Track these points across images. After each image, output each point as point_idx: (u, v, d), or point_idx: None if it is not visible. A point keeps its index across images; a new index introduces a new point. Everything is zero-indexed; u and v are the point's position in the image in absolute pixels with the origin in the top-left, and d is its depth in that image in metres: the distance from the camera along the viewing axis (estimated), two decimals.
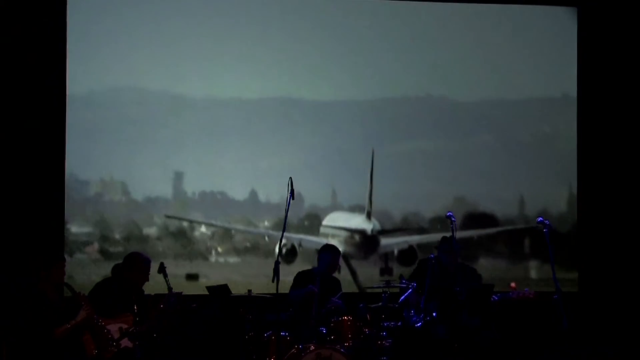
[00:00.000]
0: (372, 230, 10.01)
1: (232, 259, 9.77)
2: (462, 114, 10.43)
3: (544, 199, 10.41)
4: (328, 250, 8.94)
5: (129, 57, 9.63)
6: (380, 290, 8.44)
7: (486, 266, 10.12)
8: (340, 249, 9.01)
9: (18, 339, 7.10)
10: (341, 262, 9.44)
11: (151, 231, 9.16)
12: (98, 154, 9.60)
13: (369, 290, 8.74)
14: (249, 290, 8.39)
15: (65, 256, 8.07)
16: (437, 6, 10.38)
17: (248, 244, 9.96)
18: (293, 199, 8.04)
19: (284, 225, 8.06)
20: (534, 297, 8.42)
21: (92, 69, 9.55)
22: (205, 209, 8.82)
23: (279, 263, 7.91)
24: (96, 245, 9.51)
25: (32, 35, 9.35)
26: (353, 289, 9.97)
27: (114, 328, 7.53)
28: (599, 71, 10.54)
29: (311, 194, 10.05)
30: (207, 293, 8.57)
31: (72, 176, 9.50)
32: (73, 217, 9.53)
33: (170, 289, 7.87)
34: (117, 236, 9.42)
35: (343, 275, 9.85)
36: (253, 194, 9.95)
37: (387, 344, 8.14)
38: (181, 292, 8.13)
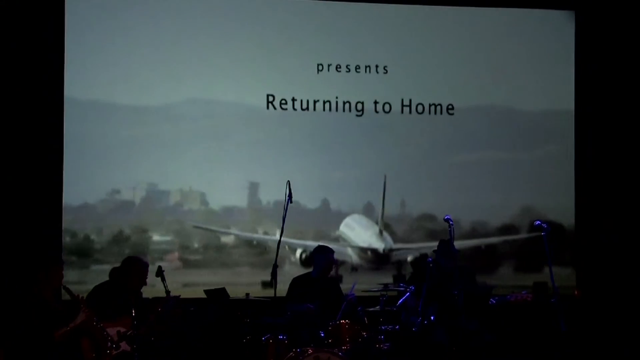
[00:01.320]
0: (384, 250, 10.05)
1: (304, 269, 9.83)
2: (528, 124, 10.60)
3: None
4: (321, 252, 8.93)
5: (202, 70, 9.89)
6: (378, 293, 8.44)
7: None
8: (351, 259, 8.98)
9: (16, 342, 7.09)
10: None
11: (228, 240, 9.31)
12: (177, 165, 9.82)
13: (366, 294, 8.72)
14: (247, 294, 8.39)
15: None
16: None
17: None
18: (291, 202, 8.06)
19: (281, 229, 8.06)
20: (531, 300, 8.42)
21: (181, 84, 9.82)
22: (279, 218, 9.03)
23: (277, 267, 7.91)
24: (176, 254, 9.69)
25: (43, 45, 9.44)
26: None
27: (112, 331, 7.52)
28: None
29: (381, 203, 10.19)
30: (205, 296, 8.59)
31: (153, 186, 9.78)
32: (154, 226, 9.78)
33: (168, 292, 7.86)
34: (195, 245, 9.61)
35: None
36: (325, 204, 10.16)
37: (385, 348, 8.14)
38: (179, 296, 8.14)
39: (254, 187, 9.95)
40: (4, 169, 9.30)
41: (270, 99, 10.03)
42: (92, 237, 9.62)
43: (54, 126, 9.46)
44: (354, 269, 10.11)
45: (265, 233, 9.08)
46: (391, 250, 10.08)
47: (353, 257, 10.05)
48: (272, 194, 9.91)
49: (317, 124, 10.17)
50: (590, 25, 10.66)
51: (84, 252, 9.53)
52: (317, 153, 10.14)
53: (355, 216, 10.24)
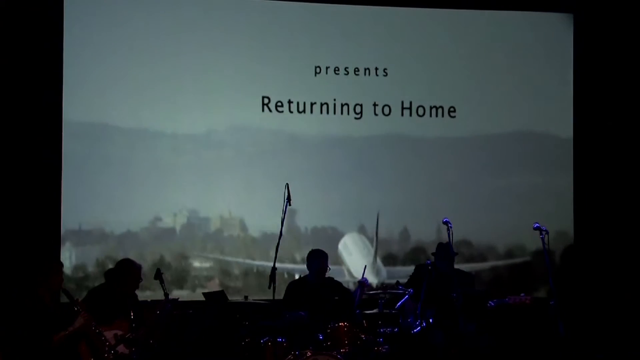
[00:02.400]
0: (376, 285, 10.05)
1: None
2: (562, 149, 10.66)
3: None
4: (314, 256, 8.92)
5: (243, 99, 10.04)
6: (376, 296, 8.43)
7: None
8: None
9: (15, 345, 7.08)
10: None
11: (268, 266, 9.14)
12: (217, 192, 9.94)
13: (365, 297, 8.72)
14: (246, 297, 8.39)
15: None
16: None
17: None
18: (290, 205, 8.07)
19: (280, 232, 8.06)
20: (530, 302, 8.42)
21: (220, 111, 9.97)
22: (317, 243, 9.27)
23: (276, 269, 7.91)
24: (217, 280, 9.75)
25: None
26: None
27: (109, 335, 7.51)
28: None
29: (416, 228, 10.28)
30: (204, 299, 8.58)
31: (194, 213, 9.89)
32: (195, 253, 9.87)
33: (166, 295, 7.86)
34: (236, 271, 9.65)
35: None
36: (362, 230, 10.23)
37: (384, 350, 8.13)
38: (177, 299, 8.15)
39: (292, 214, 9.95)
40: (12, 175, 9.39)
41: (311, 130, 10.18)
42: None
43: (100, 153, 9.65)
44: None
45: (304, 260, 9.20)
46: (383, 284, 10.04)
47: (350, 282, 10.09)
48: (310, 221, 10.12)
49: (353, 150, 10.29)
50: (589, 27, 10.67)
51: None
52: (354, 179, 10.24)
53: (355, 236, 10.26)
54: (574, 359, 8.32)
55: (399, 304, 8.46)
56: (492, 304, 8.42)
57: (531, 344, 9.74)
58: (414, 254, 10.24)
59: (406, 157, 10.40)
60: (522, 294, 8.51)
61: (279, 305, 8.18)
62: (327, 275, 8.93)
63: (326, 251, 8.87)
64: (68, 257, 9.46)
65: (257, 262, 9.93)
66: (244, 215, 9.98)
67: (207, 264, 9.45)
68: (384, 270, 10.21)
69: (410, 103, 10.45)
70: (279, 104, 10.10)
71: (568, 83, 10.68)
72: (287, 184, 8.02)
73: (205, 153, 9.93)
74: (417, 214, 10.19)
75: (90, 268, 9.61)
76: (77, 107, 9.56)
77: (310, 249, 9.01)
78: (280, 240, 8.03)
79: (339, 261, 10.13)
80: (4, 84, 9.39)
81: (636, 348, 9.88)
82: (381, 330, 8.24)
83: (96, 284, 8.38)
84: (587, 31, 10.68)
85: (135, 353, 7.50)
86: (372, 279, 9.99)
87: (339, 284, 9.06)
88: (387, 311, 8.37)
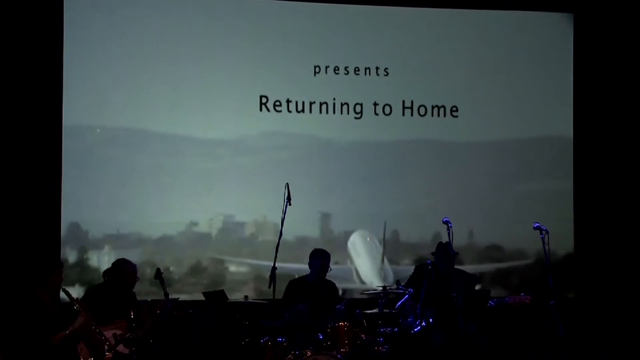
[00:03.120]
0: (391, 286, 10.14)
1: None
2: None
3: None
4: (317, 256, 8.93)
5: (255, 103, 10.14)
6: (376, 296, 8.43)
7: None
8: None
9: (15, 345, 7.07)
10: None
11: (304, 270, 9.37)
12: (253, 196, 10.05)
13: (365, 296, 8.71)
14: (246, 296, 8.38)
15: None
16: None
17: None
18: (290, 204, 8.06)
19: (280, 232, 8.06)
20: (530, 302, 8.41)
21: (255, 117, 10.11)
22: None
23: (276, 269, 7.91)
24: (251, 284, 9.85)
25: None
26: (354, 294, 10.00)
27: (109, 334, 7.50)
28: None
29: (382, 246, 10.32)
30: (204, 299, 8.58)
31: (230, 218, 10.02)
32: (230, 257, 9.99)
33: (166, 294, 7.86)
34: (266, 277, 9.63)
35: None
36: (395, 234, 10.30)
37: (384, 350, 8.13)
38: (177, 298, 8.14)
39: (325, 218, 10.21)
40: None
41: (339, 135, 10.29)
42: (172, 268, 9.90)
43: (136, 159, 9.82)
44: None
45: (336, 263, 9.34)
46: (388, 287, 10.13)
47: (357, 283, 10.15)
48: (343, 225, 10.24)
49: (386, 154, 10.39)
50: (589, 27, 10.66)
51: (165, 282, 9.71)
52: (384, 183, 10.34)
53: (363, 235, 10.30)
54: (573, 358, 8.32)
55: (399, 303, 8.45)
56: (492, 303, 8.42)
57: (531, 344, 9.75)
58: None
59: (434, 161, 10.53)
60: (522, 294, 8.50)
61: (279, 305, 8.18)
62: (328, 274, 8.95)
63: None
64: (107, 260, 9.57)
65: (291, 265, 9.97)
66: (278, 219, 9.95)
67: (242, 268, 9.59)
68: (391, 274, 10.24)
69: (412, 102, 10.45)
70: (313, 106, 10.27)
71: (568, 82, 10.67)
72: (287, 183, 8.02)
73: (238, 159, 10.09)
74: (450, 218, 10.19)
75: None
76: (110, 111, 9.77)
77: (340, 253, 9.09)
78: (281, 241, 8.02)
79: (348, 260, 10.22)
80: (4, 85, 9.39)
81: (636, 348, 9.88)
82: (381, 330, 8.23)
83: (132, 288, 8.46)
84: (587, 31, 10.67)
85: (135, 353, 7.49)
86: (379, 283, 10.00)
87: (334, 287, 9.05)
88: (387, 311, 8.37)
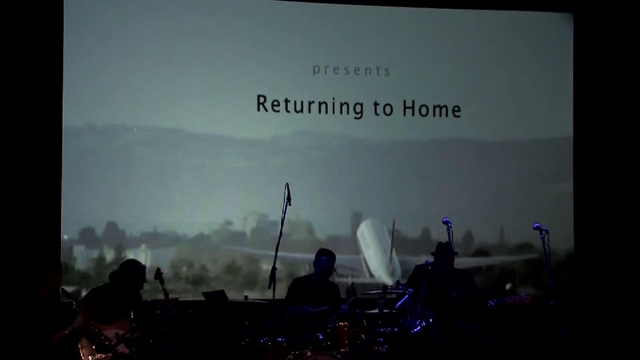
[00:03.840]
0: (391, 287, 10.14)
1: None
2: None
3: None
4: (323, 255, 8.95)
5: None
6: (376, 296, 8.44)
7: None
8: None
9: (14, 345, 7.08)
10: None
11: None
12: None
13: (365, 297, 8.73)
14: (246, 296, 8.39)
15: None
16: None
17: None
18: (290, 204, 8.07)
19: (280, 231, 8.06)
20: (530, 302, 8.42)
21: (289, 117, 10.19)
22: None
23: (276, 269, 7.92)
24: (285, 282, 9.76)
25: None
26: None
27: (110, 334, 7.51)
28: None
29: (480, 232, 10.43)
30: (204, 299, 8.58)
31: (263, 217, 10.08)
32: (264, 256, 10.01)
33: (166, 294, 7.86)
34: (302, 274, 9.69)
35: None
36: (425, 232, 10.33)
37: (384, 350, 8.13)
38: (177, 298, 8.15)
39: (357, 217, 10.29)
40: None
41: (370, 135, 10.35)
42: (208, 266, 9.97)
43: (172, 159, 9.91)
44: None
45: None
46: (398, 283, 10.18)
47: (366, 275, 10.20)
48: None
49: (414, 154, 10.46)
50: (589, 27, 10.67)
51: (200, 281, 9.89)
52: (419, 183, 10.40)
53: (373, 226, 10.32)
54: (573, 358, 8.33)
55: (399, 303, 8.47)
56: (492, 303, 8.43)
57: (531, 343, 9.75)
58: (477, 256, 10.43)
59: (465, 160, 10.55)
60: (522, 294, 8.51)
61: (279, 305, 8.19)
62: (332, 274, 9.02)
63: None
64: (144, 259, 9.66)
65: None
66: (311, 218, 10.19)
67: (276, 266, 9.53)
68: (399, 270, 10.26)
69: (413, 102, 10.47)
70: (356, 107, 10.33)
71: (568, 82, 10.68)
72: (287, 183, 8.03)
73: (272, 158, 10.16)
74: (479, 218, 10.34)
75: (166, 269, 9.73)
76: (147, 112, 9.86)
77: None
78: (281, 240, 8.03)
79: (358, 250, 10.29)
80: (4, 87, 9.41)
81: (636, 348, 9.88)
82: (381, 330, 8.24)
83: (170, 286, 8.48)
84: (587, 31, 10.67)
85: (136, 353, 7.49)
86: (387, 279, 10.12)
87: (337, 289, 9.06)
88: (387, 311, 8.37)
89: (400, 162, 10.43)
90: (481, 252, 10.45)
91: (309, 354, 7.86)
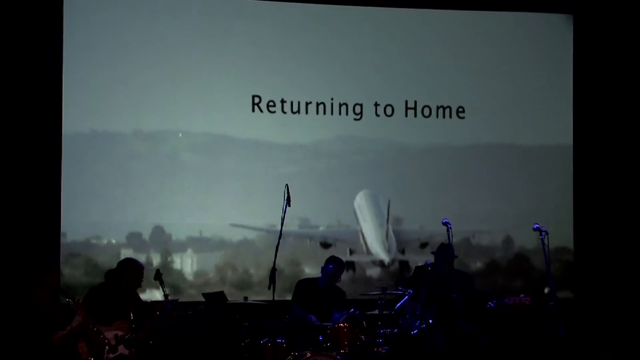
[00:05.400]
0: (388, 263, 10.30)
1: None
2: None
3: None
4: (332, 262, 8.98)
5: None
6: (376, 297, 8.44)
7: None
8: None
9: (12, 345, 7.08)
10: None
11: (374, 272, 9.65)
12: (327, 200, 10.29)
13: (365, 297, 8.72)
14: (245, 297, 8.39)
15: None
16: None
17: None
18: (290, 205, 8.07)
19: (280, 232, 8.06)
20: (530, 303, 8.42)
21: (329, 122, 10.32)
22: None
23: (276, 270, 7.92)
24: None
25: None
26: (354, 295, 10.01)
27: (110, 335, 7.50)
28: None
29: (517, 236, 10.46)
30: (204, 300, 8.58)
31: (305, 221, 10.24)
32: (306, 260, 10.19)
33: (166, 295, 7.86)
34: (344, 277, 9.58)
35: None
36: (466, 239, 10.43)
37: (384, 351, 8.13)
38: (177, 299, 8.14)
39: (398, 222, 10.38)
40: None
41: (413, 139, 10.45)
42: (251, 271, 10.05)
43: (217, 164, 10.05)
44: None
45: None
46: (394, 260, 10.26)
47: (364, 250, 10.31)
48: (415, 227, 10.36)
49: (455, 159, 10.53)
50: (589, 28, 10.67)
51: (244, 285, 9.97)
52: (459, 186, 10.48)
53: (369, 197, 10.36)
54: (573, 359, 8.33)
55: (398, 304, 8.45)
56: (492, 304, 8.42)
57: (531, 344, 9.75)
58: (517, 261, 10.53)
59: (502, 165, 10.65)
60: (521, 295, 8.50)
61: (281, 305, 8.19)
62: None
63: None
64: (189, 263, 9.83)
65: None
66: (351, 222, 10.27)
67: (316, 271, 9.52)
68: (394, 246, 10.30)
69: (415, 102, 10.49)
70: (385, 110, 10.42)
71: (567, 84, 10.68)
72: (286, 184, 8.03)
73: (314, 163, 10.28)
74: (520, 222, 10.26)
75: (211, 274, 9.97)
76: (192, 117, 9.96)
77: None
78: (280, 241, 8.04)
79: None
80: (3, 89, 9.43)
81: (636, 348, 9.89)
82: (381, 331, 8.24)
83: (215, 290, 8.45)
84: (587, 32, 10.68)
85: (135, 354, 7.49)
86: (384, 256, 10.20)
87: (344, 295, 9.07)
88: (387, 312, 8.37)
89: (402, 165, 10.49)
90: (521, 257, 10.52)
91: (308, 355, 7.86)
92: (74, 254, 9.61)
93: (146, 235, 9.86)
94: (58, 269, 7.67)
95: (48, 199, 9.50)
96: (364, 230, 10.34)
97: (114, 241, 9.77)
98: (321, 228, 10.23)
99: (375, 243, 10.29)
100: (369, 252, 10.31)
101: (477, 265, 10.45)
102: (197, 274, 9.94)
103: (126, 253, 9.46)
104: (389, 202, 10.27)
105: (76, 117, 9.66)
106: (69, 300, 7.33)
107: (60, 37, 9.62)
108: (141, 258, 9.29)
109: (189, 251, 9.96)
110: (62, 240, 9.56)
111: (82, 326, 7.26)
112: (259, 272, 9.93)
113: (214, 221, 9.99)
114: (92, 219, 9.72)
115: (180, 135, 9.95)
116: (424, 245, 10.28)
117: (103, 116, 9.77)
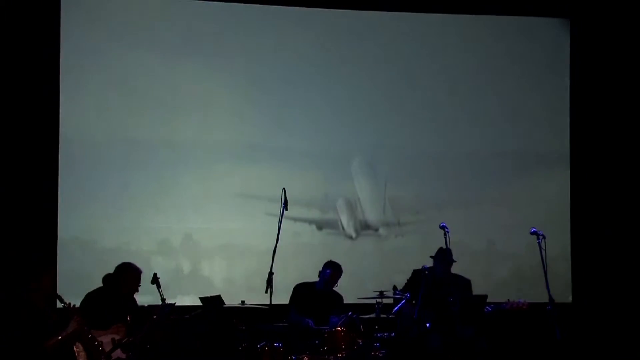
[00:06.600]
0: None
1: None
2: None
3: None
4: (329, 267, 8.99)
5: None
6: (373, 300, 8.44)
7: None
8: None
9: (7, 350, 7.06)
10: None
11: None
12: None
13: (362, 301, 8.73)
14: (242, 301, 8.38)
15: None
16: None
17: None
18: (287, 209, 8.08)
19: (277, 236, 8.07)
20: (527, 307, 8.42)
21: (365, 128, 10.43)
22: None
23: (272, 274, 7.92)
24: (354, 292, 9.72)
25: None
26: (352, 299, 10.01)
27: (106, 339, 7.50)
28: None
29: (514, 241, 10.43)
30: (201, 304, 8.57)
31: (332, 224, 10.31)
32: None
33: (163, 299, 7.86)
34: (368, 285, 9.64)
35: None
36: (490, 243, 10.53)
37: (381, 355, 8.14)
38: (174, 303, 8.13)
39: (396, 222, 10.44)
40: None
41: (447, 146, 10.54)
42: (279, 277, 9.79)
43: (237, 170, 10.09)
44: None
45: None
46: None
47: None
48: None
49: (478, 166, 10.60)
50: (586, 33, 10.69)
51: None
52: (483, 193, 10.57)
53: (364, 168, 10.45)
54: None
55: (395, 308, 8.46)
56: (489, 309, 8.43)
57: (528, 349, 9.75)
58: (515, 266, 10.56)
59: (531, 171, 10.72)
60: (519, 299, 8.51)
61: (275, 310, 8.19)
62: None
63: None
64: (217, 270, 9.91)
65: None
66: (379, 227, 10.36)
67: (343, 276, 9.48)
68: (390, 211, 10.42)
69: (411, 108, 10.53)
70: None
71: (564, 89, 10.69)
72: (284, 188, 8.04)
73: (335, 168, 10.33)
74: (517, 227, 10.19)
75: (239, 281, 9.97)
76: (214, 123, 10.05)
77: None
78: (278, 245, 8.04)
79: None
80: (5, 88, 9.44)
81: (634, 352, 9.89)
82: (378, 334, 8.24)
83: (244, 298, 8.47)
84: (583, 37, 10.69)
85: (132, 358, 7.49)
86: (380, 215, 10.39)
87: (341, 300, 9.06)
88: (384, 316, 8.37)
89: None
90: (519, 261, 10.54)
91: (306, 359, 7.86)
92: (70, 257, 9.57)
93: (176, 242, 9.91)
94: (55, 273, 7.64)
95: (45, 203, 9.51)
96: (359, 194, 10.40)
97: (144, 248, 9.78)
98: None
99: (370, 203, 10.38)
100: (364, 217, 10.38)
101: (475, 270, 10.44)
102: (225, 281, 9.98)
103: (156, 260, 9.64)
104: (385, 183, 10.33)
105: (76, 118, 9.68)
106: (64, 305, 7.31)
107: (58, 41, 9.63)
108: (171, 265, 9.52)
109: (217, 258, 10.00)
110: (59, 243, 9.56)
111: (77, 332, 7.23)
112: (288, 278, 9.65)
113: (241, 227, 10.03)
114: (89, 221, 9.73)
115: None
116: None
117: (101, 121, 9.79)
